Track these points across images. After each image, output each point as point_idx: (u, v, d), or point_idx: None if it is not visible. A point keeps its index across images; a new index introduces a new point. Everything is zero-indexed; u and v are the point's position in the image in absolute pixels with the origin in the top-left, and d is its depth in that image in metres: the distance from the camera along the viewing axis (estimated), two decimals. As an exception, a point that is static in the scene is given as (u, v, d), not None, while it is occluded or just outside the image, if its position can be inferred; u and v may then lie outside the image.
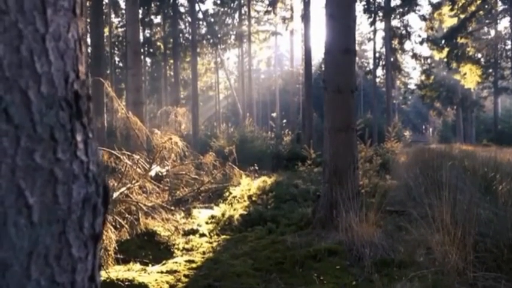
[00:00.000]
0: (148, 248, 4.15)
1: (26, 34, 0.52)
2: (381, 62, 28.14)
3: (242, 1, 28.17)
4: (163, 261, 3.83)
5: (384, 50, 26.63)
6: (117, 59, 33.06)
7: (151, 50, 30.01)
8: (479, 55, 25.45)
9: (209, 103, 43.67)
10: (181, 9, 27.35)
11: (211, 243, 4.51)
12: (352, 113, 4.56)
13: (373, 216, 4.25)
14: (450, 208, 3.68)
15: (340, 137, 4.46)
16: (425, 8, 31.99)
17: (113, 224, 4.42)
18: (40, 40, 0.54)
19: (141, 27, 23.76)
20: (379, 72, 32.60)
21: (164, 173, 7.51)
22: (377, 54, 28.14)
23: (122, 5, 27.46)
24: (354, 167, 4.49)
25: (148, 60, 33.03)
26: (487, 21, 27.51)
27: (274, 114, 22.77)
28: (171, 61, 28.89)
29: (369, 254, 3.70)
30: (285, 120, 24.58)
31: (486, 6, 22.37)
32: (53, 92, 0.55)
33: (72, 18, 0.59)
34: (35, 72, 0.53)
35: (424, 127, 56.87)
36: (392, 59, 26.02)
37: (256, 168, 8.77)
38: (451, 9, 20.03)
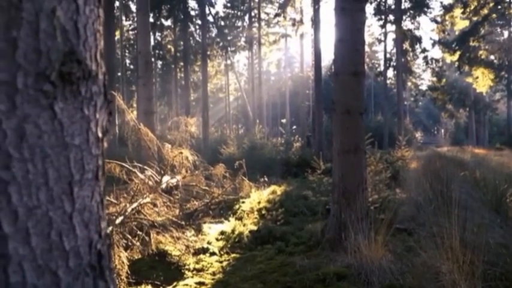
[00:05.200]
0: (160, 269, 4.22)
1: (55, 219, 0.58)
2: (391, 63, 27.97)
3: (252, 4, 28.22)
4: (174, 283, 3.90)
5: (394, 51, 26.47)
6: (128, 61, 33.43)
7: (161, 53, 30.25)
8: (492, 57, 25.11)
9: (219, 105, 43.85)
10: (192, 13, 27.48)
11: (221, 262, 4.57)
12: (361, 134, 4.59)
13: (382, 238, 4.27)
14: (459, 232, 3.69)
15: (348, 159, 4.48)
16: (436, 10, 31.88)
17: (124, 243, 4.52)
18: (68, 220, 0.60)
19: (151, 31, 24.01)
20: (390, 73, 32.42)
21: (175, 184, 7.60)
22: (388, 56, 27.99)
23: (133, 8, 27.72)
24: (362, 188, 4.52)
25: (159, 62, 33.29)
26: (499, 22, 27.17)
27: (284, 121, 22.79)
28: (182, 64, 29.12)
29: (378, 278, 3.73)
30: (294, 127, 24.63)
31: (499, 7, 22.09)
32: (79, 262, 0.61)
33: (96, 184, 0.65)
34: (64, 250, 0.59)
35: (435, 128, 56.34)
36: (403, 60, 25.85)
37: (266, 179, 8.82)
38: (463, 12, 19.83)
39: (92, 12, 0.63)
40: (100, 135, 0.66)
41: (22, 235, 0.53)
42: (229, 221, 6.20)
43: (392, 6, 24.37)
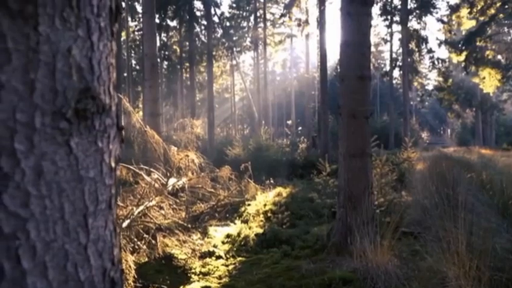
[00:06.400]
0: (166, 273, 4.25)
1: (71, 251, 0.60)
2: (397, 64, 27.84)
3: (257, 4, 28.24)
4: (181, 287, 3.93)
5: (400, 51, 26.35)
6: (133, 62, 33.58)
7: (167, 54, 30.35)
8: (499, 57, 24.92)
9: (225, 105, 43.91)
10: (197, 14, 27.53)
11: (227, 266, 4.59)
12: (367, 138, 4.58)
13: (387, 242, 4.27)
14: (465, 236, 3.67)
15: (354, 162, 4.49)
16: (443, 10, 31.75)
17: (131, 246, 4.55)
18: (83, 251, 0.61)
19: (157, 32, 24.10)
20: (396, 73, 32.29)
21: (181, 186, 7.64)
22: (394, 56, 27.87)
23: (139, 9, 27.83)
24: (368, 192, 4.51)
25: (164, 63, 33.41)
26: (506, 21, 26.94)
27: (289, 122, 22.82)
28: (187, 64, 29.19)
29: (383, 283, 3.73)
30: (300, 127, 24.62)
31: (506, 7, 21.91)
32: (94, 292, 0.63)
33: (109, 213, 0.67)
34: (79, 281, 0.61)
35: (442, 128, 56.04)
36: (409, 60, 25.72)
37: (272, 181, 8.84)
38: (470, 12, 19.72)
39: (106, 47, 0.65)
40: (113, 165, 0.68)
41: (40, 269, 0.55)
42: (235, 223, 6.23)
43: (399, 7, 24.29)
